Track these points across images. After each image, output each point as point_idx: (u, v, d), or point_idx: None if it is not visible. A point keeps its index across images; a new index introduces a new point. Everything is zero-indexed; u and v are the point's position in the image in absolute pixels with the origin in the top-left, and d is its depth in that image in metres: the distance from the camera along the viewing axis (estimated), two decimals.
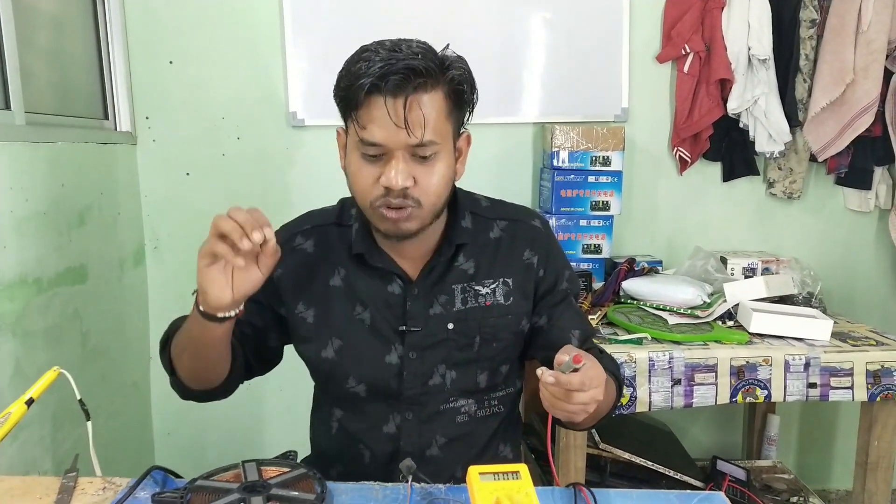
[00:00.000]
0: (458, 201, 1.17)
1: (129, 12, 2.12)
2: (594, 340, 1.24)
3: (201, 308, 0.98)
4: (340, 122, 1.11)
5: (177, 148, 2.21)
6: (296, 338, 1.19)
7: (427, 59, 0.98)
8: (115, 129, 2.12)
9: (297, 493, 0.92)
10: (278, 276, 1.17)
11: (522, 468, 0.89)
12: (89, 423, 0.98)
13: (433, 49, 1.02)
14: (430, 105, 0.99)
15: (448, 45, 1.04)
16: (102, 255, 1.93)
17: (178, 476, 1.00)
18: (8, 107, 1.54)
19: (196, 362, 1.11)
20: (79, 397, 0.96)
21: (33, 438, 1.53)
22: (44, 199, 1.61)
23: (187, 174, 2.22)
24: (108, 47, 2.09)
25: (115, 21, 2.08)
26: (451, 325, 1.13)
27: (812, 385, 1.69)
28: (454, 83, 1.02)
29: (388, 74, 0.95)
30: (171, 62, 2.16)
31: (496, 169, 2.26)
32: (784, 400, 1.69)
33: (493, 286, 1.15)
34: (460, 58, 1.03)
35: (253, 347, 1.21)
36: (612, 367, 1.14)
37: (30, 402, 0.90)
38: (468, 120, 1.09)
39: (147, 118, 2.18)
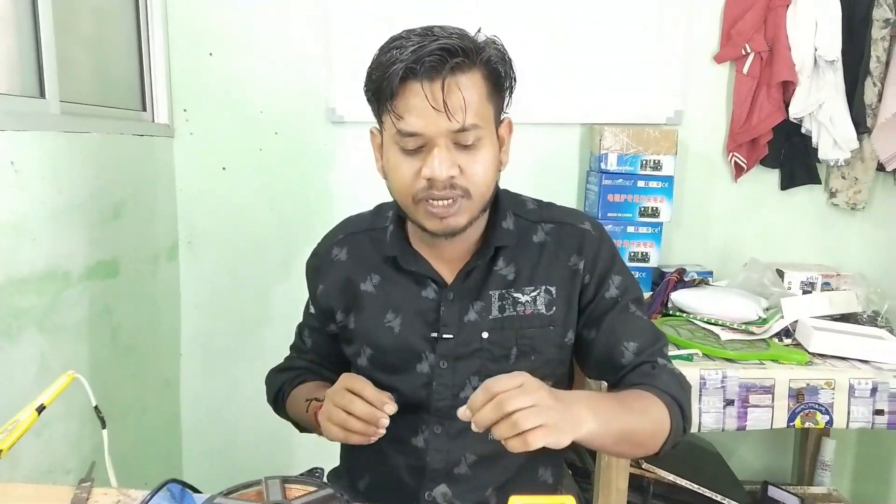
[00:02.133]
0: (499, 201, 1.09)
1: (170, 2, 2.09)
2: (663, 352, 1.07)
3: None
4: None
5: (214, 142, 2.16)
6: (344, 343, 1.16)
7: (462, 39, 0.92)
8: (153, 121, 2.09)
9: None
10: (321, 293, 1.15)
11: (569, 500, 0.81)
12: (105, 431, 0.92)
13: (466, 31, 0.96)
14: (470, 86, 0.93)
15: (480, 28, 0.97)
16: (136, 249, 1.90)
17: (196, 490, 0.94)
18: (43, 95, 1.51)
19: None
20: (94, 404, 0.91)
21: (58, 436, 1.49)
22: (78, 192, 1.58)
23: (223, 168, 2.18)
24: (147, 38, 2.05)
25: (155, 11, 2.04)
26: (485, 335, 1.05)
27: (879, 412, 1.56)
28: (491, 64, 0.95)
29: (421, 57, 0.89)
30: (210, 54, 2.12)
31: (540, 171, 2.17)
32: (847, 426, 1.57)
33: (533, 294, 1.06)
34: (495, 38, 0.97)
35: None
36: (670, 387, 1.00)
37: (41, 409, 0.84)
38: (508, 105, 1.02)
39: (185, 111, 2.14)
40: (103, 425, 0.92)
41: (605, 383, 1.12)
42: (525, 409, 0.78)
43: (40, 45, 1.49)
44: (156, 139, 2.05)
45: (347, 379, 0.99)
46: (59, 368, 1.47)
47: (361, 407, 0.94)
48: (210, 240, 2.22)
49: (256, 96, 2.14)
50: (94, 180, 1.66)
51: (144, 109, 2.06)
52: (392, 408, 0.95)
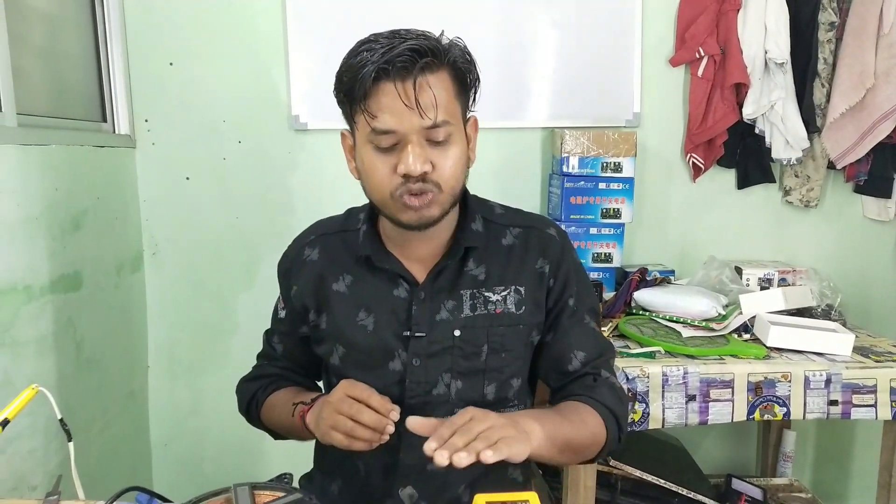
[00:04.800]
0: (468, 204, 1.13)
1: (128, 11, 2.07)
2: (608, 364, 1.16)
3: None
4: (344, 126, 1.07)
5: (176, 151, 2.15)
6: (314, 342, 1.18)
7: (429, 40, 0.97)
8: (114, 131, 2.07)
9: None
10: (295, 294, 1.16)
11: (532, 497, 0.84)
12: (71, 444, 0.92)
13: (432, 33, 1.00)
14: (439, 85, 0.97)
15: (443, 31, 1.01)
16: (98, 261, 1.88)
17: (164, 499, 0.94)
18: None
19: (296, 439, 1.19)
20: (59, 416, 0.91)
21: (22, 451, 1.47)
22: (36, 204, 1.56)
23: (187, 178, 2.17)
24: (106, 48, 2.04)
25: (113, 20, 2.03)
26: (457, 332, 1.08)
27: (833, 402, 1.61)
28: (457, 64, 1.00)
29: (393, 58, 0.93)
30: (171, 63, 2.11)
31: (503, 175, 2.20)
32: (804, 417, 1.62)
33: (504, 293, 1.10)
34: (458, 40, 1.02)
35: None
36: (608, 400, 1.09)
37: (5, 423, 0.84)
38: (473, 104, 1.06)
39: (146, 121, 2.13)
40: (69, 438, 0.92)
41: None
42: (485, 430, 0.85)
43: None
44: (117, 150, 2.03)
45: (349, 386, 1.00)
46: (23, 383, 1.45)
47: (369, 416, 0.96)
48: (174, 250, 2.20)
49: (219, 105, 2.14)
50: (54, 192, 1.64)
51: (105, 120, 2.04)
52: (396, 414, 0.98)
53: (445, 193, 1.01)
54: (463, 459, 0.81)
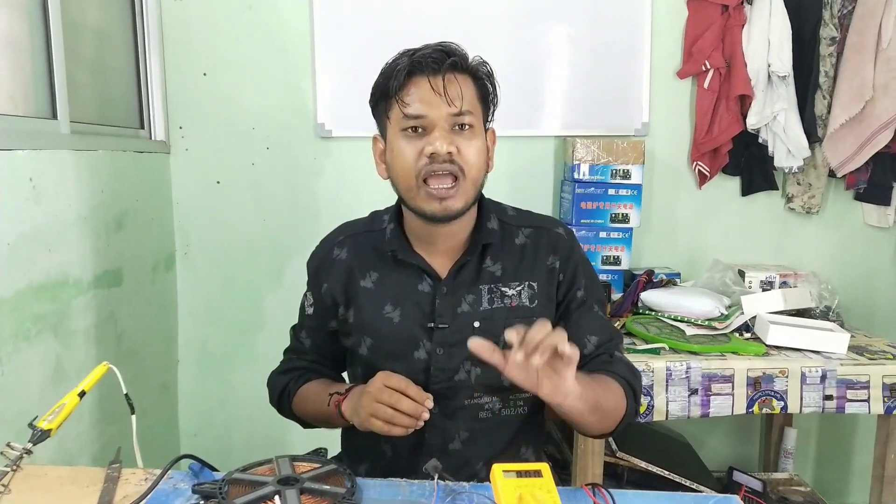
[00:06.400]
0: (484, 206, 1.23)
1: (166, 27, 2.21)
2: (619, 347, 1.25)
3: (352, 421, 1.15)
4: (366, 133, 1.19)
5: (208, 157, 2.28)
6: (342, 335, 1.27)
7: (457, 50, 1.13)
8: (151, 138, 2.20)
9: (328, 486, 0.97)
10: (325, 291, 1.26)
11: (544, 467, 0.95)
12: (133, 417, 1.04)
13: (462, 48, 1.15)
14: (464, 83, 1.11)
15: (478, 56, 1.15)
16: (136, 259, 2.00)
17: (213, 469, 1.06)
18: (55, 116, 1.62)
19: (327, 427, 1.31)
20: (125, 391, 1.02)
21: (71, 435, 1.60)
22: (85, 205, 1.69)
23: (218, 182, 2.29)
24: (145, 60, 2.17)
25: (152, 35, 2.16)
26: (477, 324, 1.18)
27: (828, 397, 1.71)
28: (479, 73, 1.14)
29: (425, 57, 1.09)
30: (204, 74, 2.24)
31: (518, 180, 2.31)
32: (800, 411, 1.72)
33: (518, 289, 1.20)
34: (484, 61, 1.16)
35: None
36: (625, 374, 1.17)
37: (82, 394, 0.96)
38: (491, 120, 1.19)
39: (181, 128, 2.26)
40: (132, 411, 1.03)
41: None
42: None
43: (52, 70, 1.60)
44: (153, 155, 2.16)
45: (386, 377, 1.08)
46: (73, 371, 1.58)
47: (407, 404, 1.06)
48: (205, 250, 2.32)
49: (249, 113, 2.26)
50: (100, 194, 1.77)
51: (143, 127, 2.18)
52: (431, 403, 1.07)
53: (468, 181, 1.11)
54: (537, 358, 0.90)
